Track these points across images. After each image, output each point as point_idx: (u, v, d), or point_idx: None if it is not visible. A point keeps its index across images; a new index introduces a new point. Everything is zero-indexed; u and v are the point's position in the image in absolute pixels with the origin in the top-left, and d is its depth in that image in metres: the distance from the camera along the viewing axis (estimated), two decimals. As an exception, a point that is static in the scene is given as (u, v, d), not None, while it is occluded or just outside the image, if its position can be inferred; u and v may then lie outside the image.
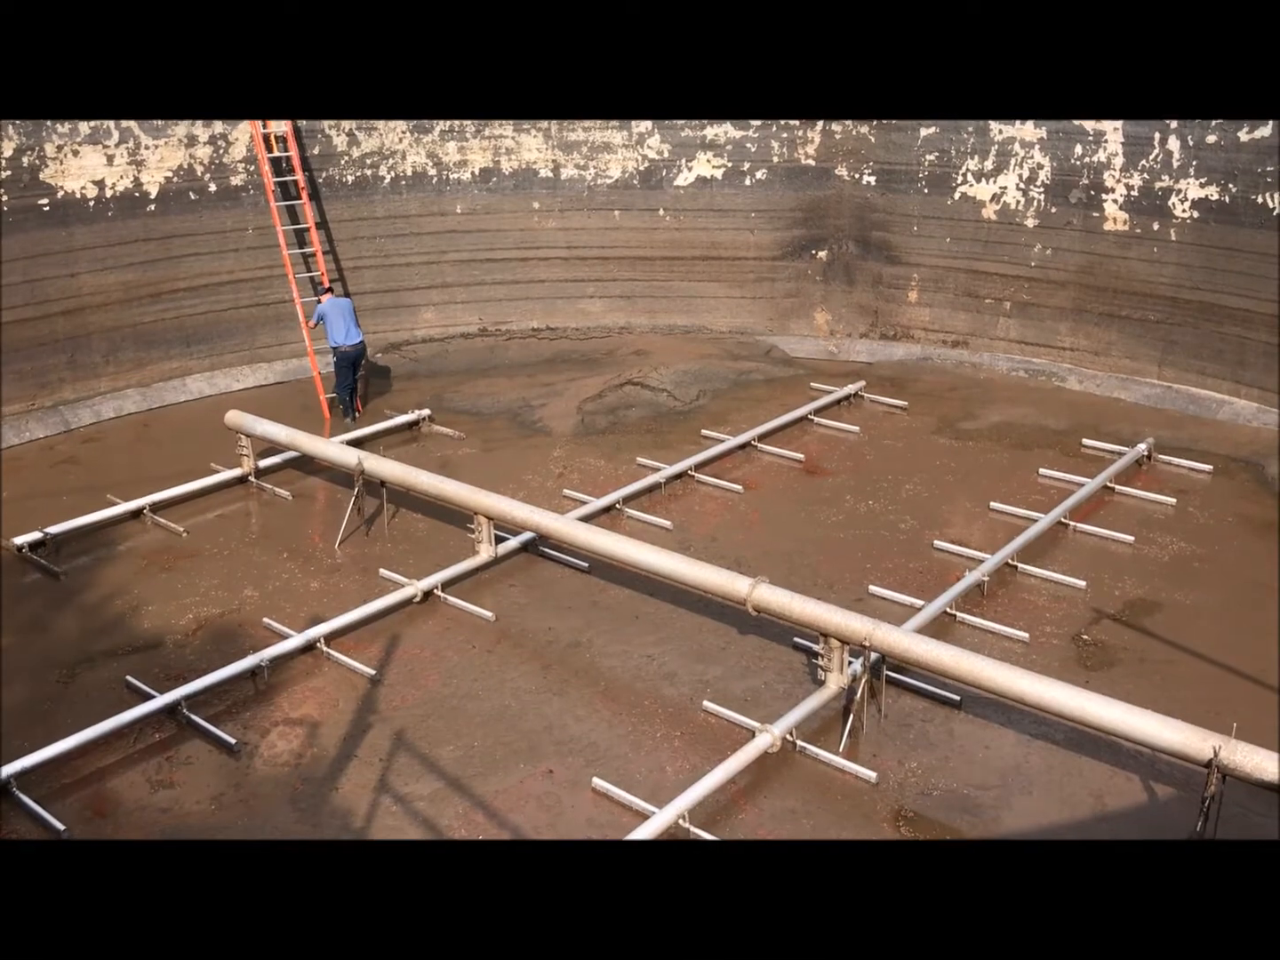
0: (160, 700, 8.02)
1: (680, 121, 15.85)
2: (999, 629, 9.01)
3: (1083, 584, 9.67)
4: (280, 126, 14.69)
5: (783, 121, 15.84)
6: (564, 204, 16.41)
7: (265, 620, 9.28)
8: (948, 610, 9.14)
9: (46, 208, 13.43)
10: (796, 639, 8.82)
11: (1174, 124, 13.52)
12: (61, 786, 7.44)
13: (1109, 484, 11.47)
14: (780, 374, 15.17)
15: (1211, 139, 13.29)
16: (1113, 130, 14.03)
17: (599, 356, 15.63)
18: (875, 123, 15.63)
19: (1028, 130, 14.67)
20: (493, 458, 12.66)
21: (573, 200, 16.40)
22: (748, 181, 16.18)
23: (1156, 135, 13.72)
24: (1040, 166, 14.66)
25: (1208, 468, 11.98)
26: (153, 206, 14.26)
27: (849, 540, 10.66)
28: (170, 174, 14.34)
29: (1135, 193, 14.01)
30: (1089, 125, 14.18)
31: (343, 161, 15.61)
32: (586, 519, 10.44)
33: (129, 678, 8.48)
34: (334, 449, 11.36)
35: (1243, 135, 13.03)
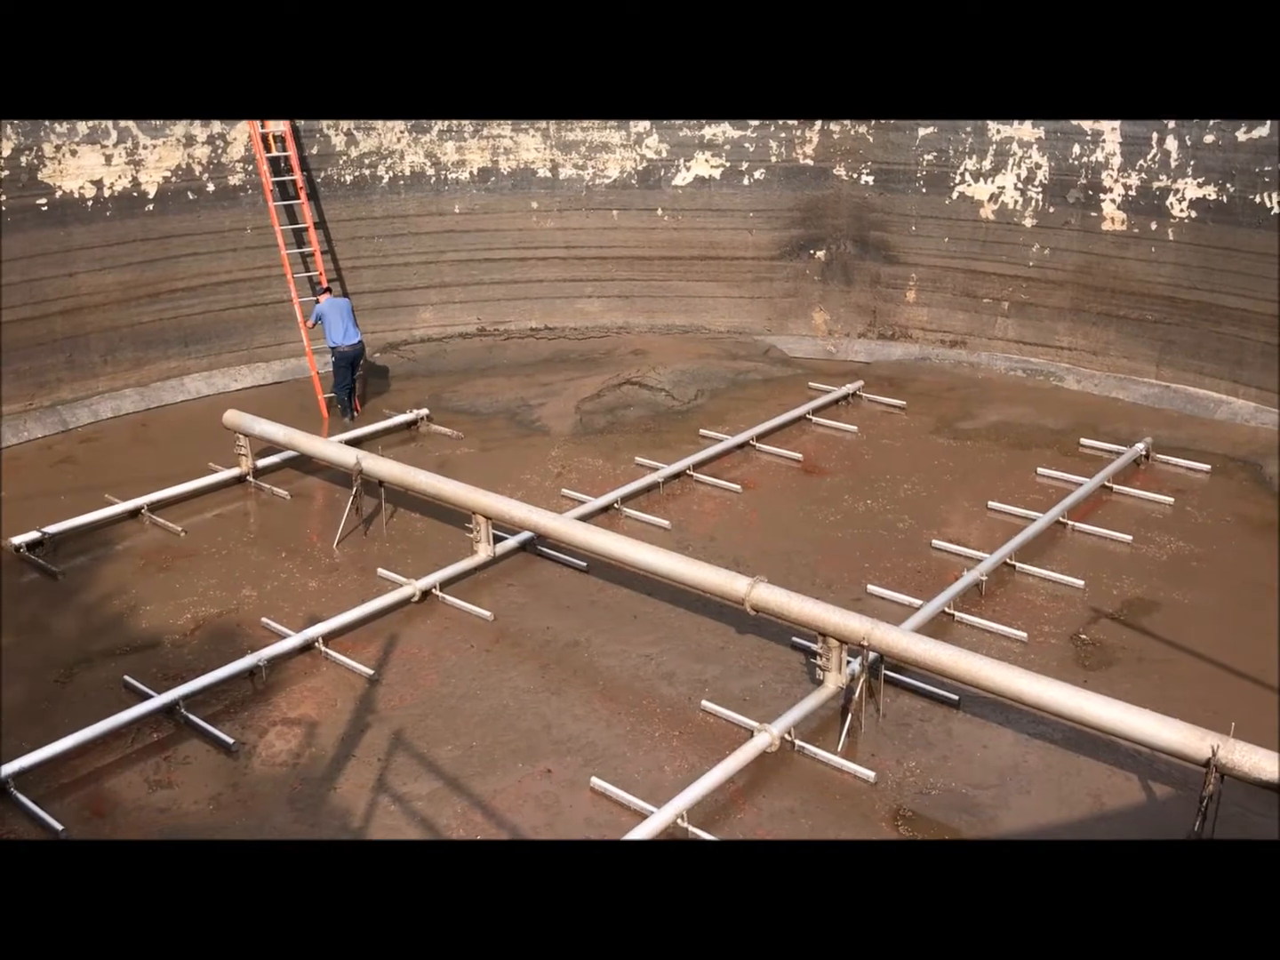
0: (158, 700, 8.02)
1: (678, 121, 15.85)
2: (997, 628, 9.01)
3: (1081, 583, 9.68)
4: (278, 126, 14.69)
5: (781, 121, 15.85)
6: (562, 204, 16.41)
7: (263, 620, 9.27)
8: (946, 610, 9.14)
9: (45, 208, 13.43)
10: (795, 638, 8.82)
11: (1172, 124, 13.53)
12: (59, 786, 7.43)
13: (1107, 483, 11.48)
14: (778, 374, 15.17)
15: (1209, 139, 13.30)
16: (1110, 130, 14.03)
17: (597, 356, 15.64)
18: (873, 122, 15.63)
19: (1026, 130, 14.68)
20: (491, 457, 12.66)
21: (571, 200, 16.40)
22: (746, 181, 16.18)
23: (1154, 135, 13.73)
24: (1038, 166, 14.67)
25: (1206, 467, 11.99)
26: (151, 206, 14.26)
27: (847, 540, 10.66)
28: (168, 174, 14.33)
29: (1133, 192, 14.02)
30: (1087, 125, 14.18)
31: (341, 161, 15.60)
32: (585, 518, 10.44)
33: (127, 677, 8.48)
34: (332, 449, 11.36)
35: (1240, 135, 13.03)
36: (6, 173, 13.06)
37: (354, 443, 12.41)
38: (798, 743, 7.68)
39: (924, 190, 15.55)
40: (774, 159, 16.12)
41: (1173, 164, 13.65)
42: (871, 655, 7.77)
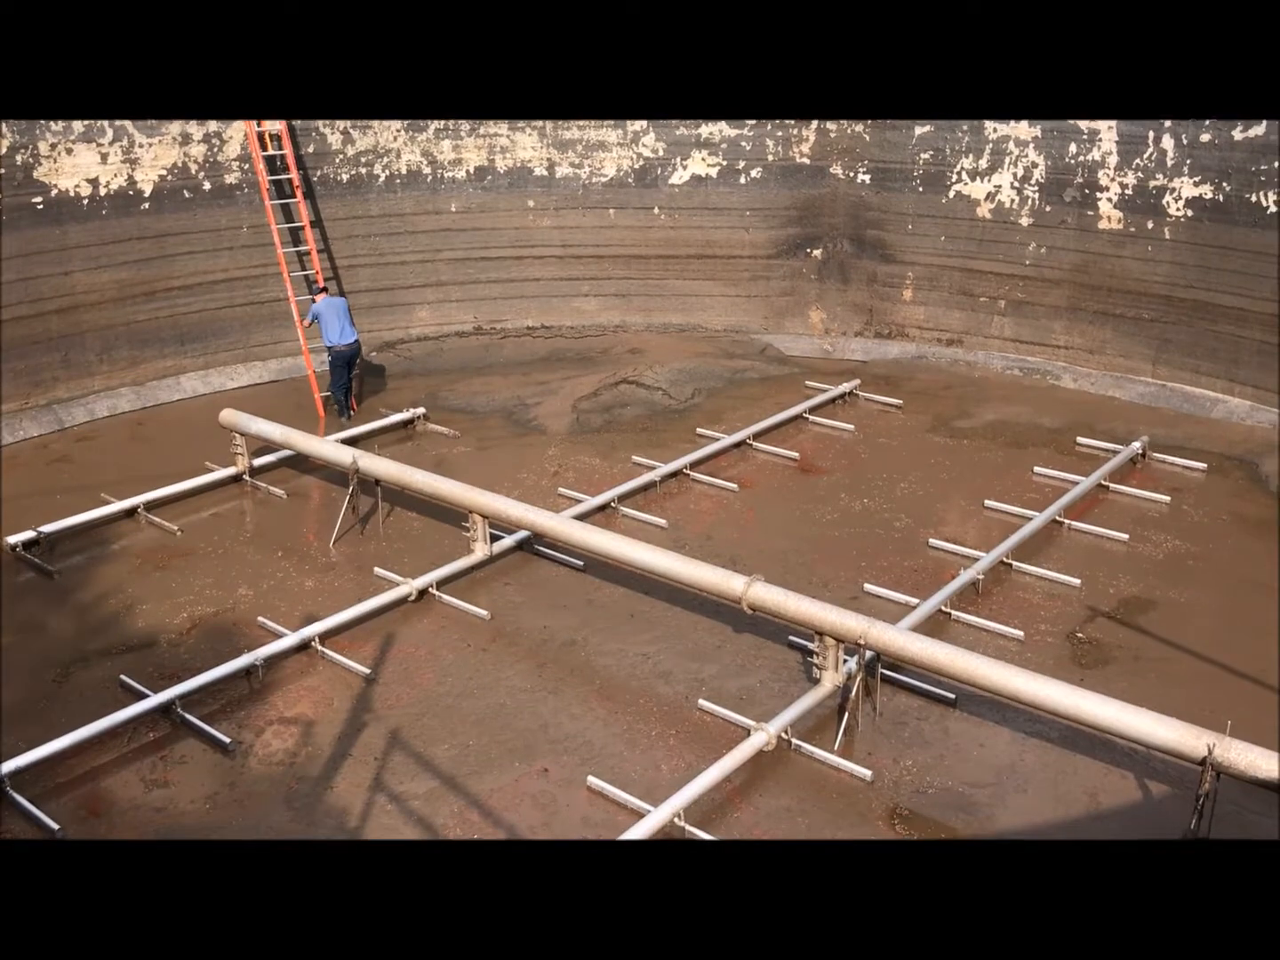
0: (154, 699, 8.01)
1: (675, 120, 15.84)
2: (994, 627, 9.02)
3: (1077, 582, 9.69)
4: (274, 125, 14.68)
5: (778, 120, 15.85)
6: (559, 202, 16.41)
7: (260, 619, 9.27)
8: (942, 608, 9.15)
9: (40, 206, 13.40)
10: (791, 637, 8.82)
11: (1168, 123, 13.54)
12: (55, 786, 7.43)
13: (1103, 482, 11.49)
14: (775, 372, 15.18)
15: (1206, 138, 13.31)
16: (1107, 129, 14.05)
17: (594, 355, 15.63)
18: (870, 121, 15.64)
19: (1022, 129, 14.69)
20: (488, 456, 12.65)
21: (568, 199, 16.40)
22: (743, 180, 16.18)
23: (1151, 134, 13.74)
24: (1035, 165, 14.68)
25: (1202, 466, 12.00)
26: (147, 205, 14.24)
27: (844, 538, 10.66)
28: (164, 172, 14.31)
29: (1129, 191, 14.03)
30: (1083, 124, 14.20)
31: (337, 160, 15.59)
32: (581, 517, 10.44)
33: (123, 677, 8.47)
34: (329, 448, 11.35)
35: (1237, 134, 13.05)
36: (2, 171, 13.04)
37: (350, 442, 12.40)
38: (794, 741, 7.68)
39: (920, 189, 15.56)
40: (771, 158, 16.12)
41: (1169, 163, 13.66)
42: (868, 654, 7.78)
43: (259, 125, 14.53)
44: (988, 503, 11.20)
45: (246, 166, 14.80)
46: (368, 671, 8.57)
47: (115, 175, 13.95)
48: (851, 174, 15.99)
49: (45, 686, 8.47)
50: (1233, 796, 6.82)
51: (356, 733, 7.92)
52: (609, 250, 16.53)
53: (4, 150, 13.05)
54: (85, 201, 13.75)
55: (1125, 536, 10.49)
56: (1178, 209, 13.70)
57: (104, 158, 13.83)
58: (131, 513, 11.16)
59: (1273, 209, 12.85)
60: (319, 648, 8.83)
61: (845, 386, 14.26)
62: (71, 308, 13.76)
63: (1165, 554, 10.29)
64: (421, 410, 13.57)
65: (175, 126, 14.25)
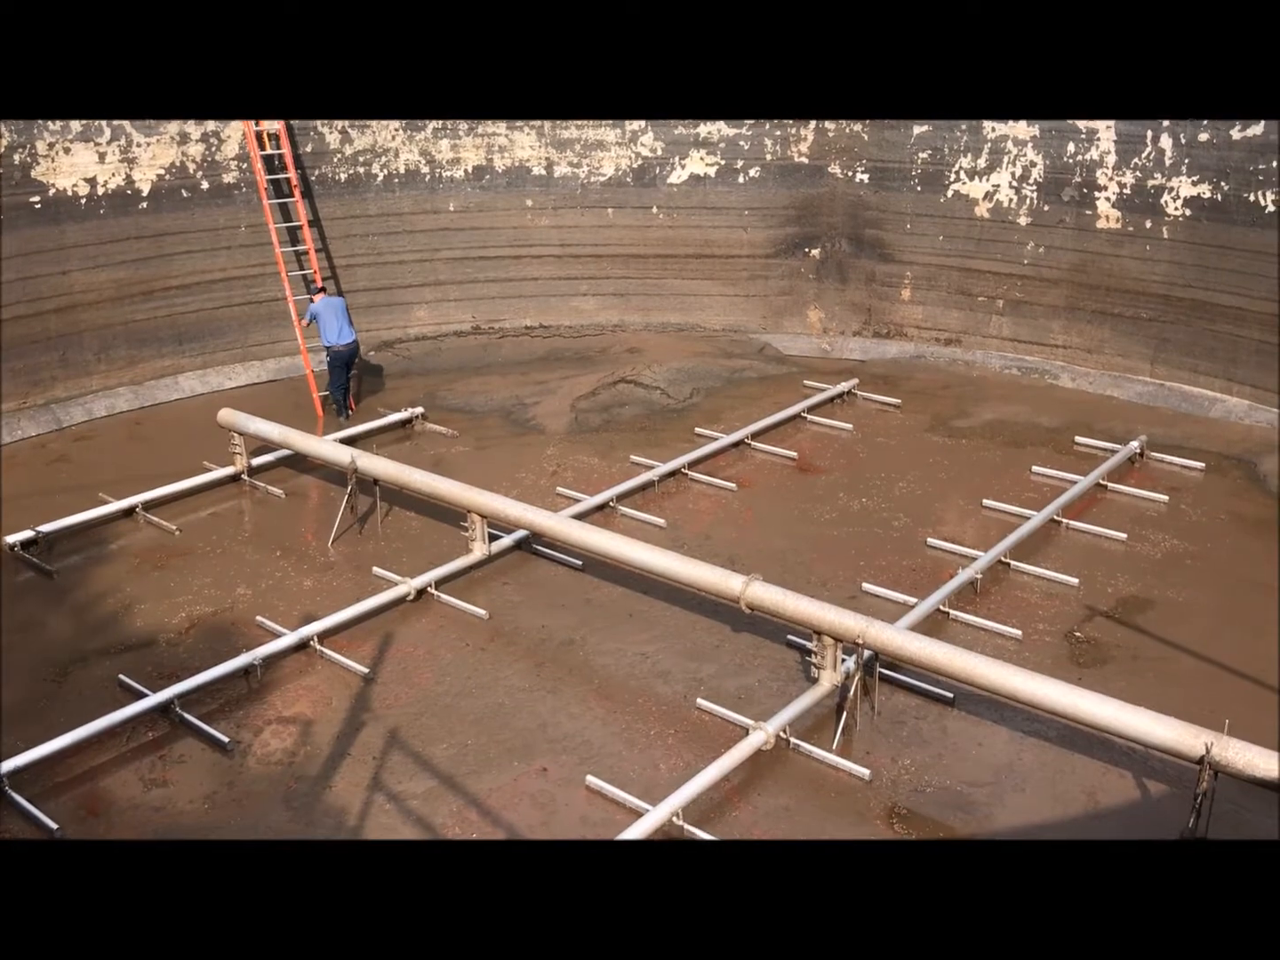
0: (153, 699, 8.01)
1: (674, 119, 15.85)
2: (992, 626, 9.02)
3: (1075, 581, 9.69)
4: (273, 124, 14.67)
5: (776, 119, 15.85)
6: (557, 202, 16.40)
7: (258, 618, 9.26)
8: (941, 608, 9.15)
9: (38, 205, 13.39)
10: (790, 637, 8.82)
11: (1166, 122, 13.54)
12: (54, 785, 7.42)
13: (1101, 481, 11.49)
14: (773, 372, 15.18)
15: (1204, 137, 13.31)
16: (1105, 128, 14.05)
17: (592, 354, 15.63)
18: (868, 121, 15.63)
19: (1020, 128, 14.69)
20: (486, 456, 12.65)
21: (566, 198, 16.39)
22: (741, 179, 16.18)
23: (1149, 133, 13.75)
24: (1033, 164, 14.68)
25: (1200, 465, 12.01)
26: (145, 204, 14.23)
27: (842, 538, 10.67)
28: (162, 171, 14.30)
29: (1128, 190, 14.03)
30: (1082, 123, 14.20)
31: (335, 159, 15.58)
32: (580, 517, 10.44)
33: (122, 676, 8.47)
34: (327, 447, 11.35)
35: (1235, 133, 13.05)
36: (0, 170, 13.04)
37: (349, 441, 12.40)
38: (793, 740, 7.68)
39: (919, 188, 15.56)
40: (769, 157, 16.12)
41: (1167, 162, 13.67)
42: (866, 653, 7.78)
43: (257, 125, 14.52)
44: (986, 502, 11.21)
45: (244, 166, 14.79)
46: (366, 671, 8.57)
47: (113, 175, 13.94)
48: (850, 173, 15.99)
49: (44, 686, 8.46)
50: (1231, 795, 6.82)
51: (355, 732, 7.92)
52: (607, 250, 16.52)
53: (2, 149, 13.04)
54: (83, 201, 13.74)
55: (1123, 536, 10.49)
56: (1176, 208, 13.70)
57: (102, 157, 13.82)
58: (130, 512, 11.15)
59: (1271, 208, 12.86)
60: (317, 647, 8.83)
61: (843, 386, 14.26)
62: (69, 307, 13.75)
63: (1163, 553, 10.29)
64: (420, 410, 13.57)
65: (173, 126, 14.24)
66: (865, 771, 7.40)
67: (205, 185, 14.63)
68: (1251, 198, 13.02)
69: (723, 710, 8.03)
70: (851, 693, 7.76)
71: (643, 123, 16.00)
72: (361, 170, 15.74)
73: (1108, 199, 14.19)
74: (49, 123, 13.35)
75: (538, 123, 16.05)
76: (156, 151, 14.21)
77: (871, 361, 15.74)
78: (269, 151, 14.71)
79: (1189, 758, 6.61)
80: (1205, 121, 13.18)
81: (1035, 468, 11.98)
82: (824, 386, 14.28)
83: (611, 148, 16.22)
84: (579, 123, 16.04)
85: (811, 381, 14.61)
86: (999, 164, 14.91)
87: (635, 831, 6.63)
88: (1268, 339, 12.96)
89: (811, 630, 8.02)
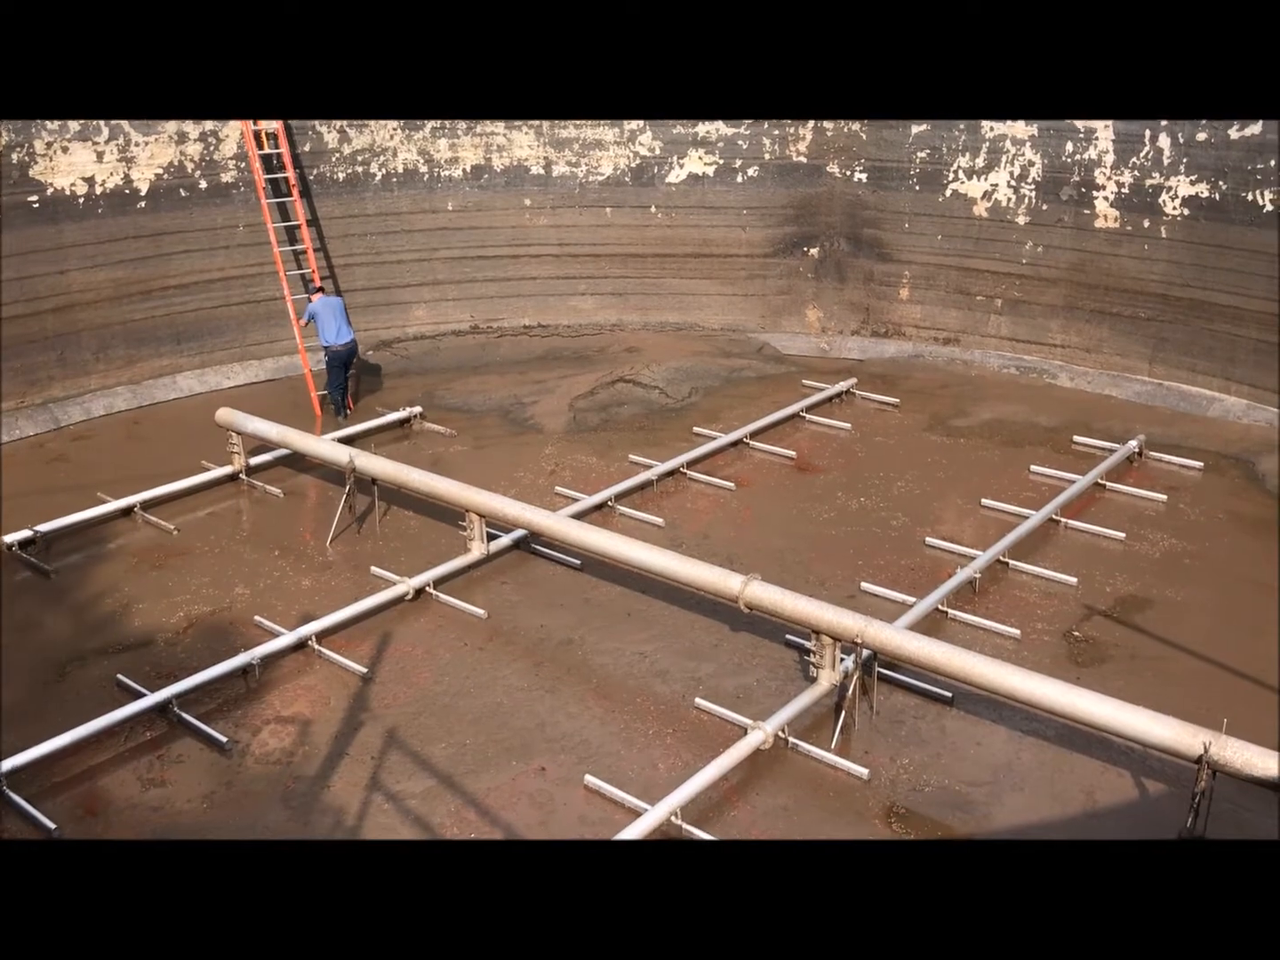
0: (151, 698, 8.00)
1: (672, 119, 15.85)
2: (990, 626, 9.02)
3: (1074, 580, 9.70)
4: (271, 124, 14.66)
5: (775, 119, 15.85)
6: (556, 201, 16.40)
7: (256, 618, 9.26)
8: (939, 607, 9.15)
9: (36, 205, 13.38)
10: (788, 636, 8.82)
11: (1164, 121, 13.55)
12: (52, 785, 7.42)
13: (1100, 481, 11.49)
14: (772, 371, 15.18)
15: (1202, 136, 13.32)
16: (1103, 128, 14.05)
17: (591, 354, 15.63)
18: (867, 120, 15.63)
19: (1019, 128, 14.69)
20: (484, 455, 12.65)
21: (564, 197, 16.39)
22: (739, 179, 16.18)
23: (1147, 132, 13.75)
24: (1031, 164, 14.69)
25: (1198, 464, 12.01)
26: (143, 203, 14.22)
27: (841, 537, 10.67)
28: (160, 171, 14.29)
29: (1126, 190, 14.04)
30: (1080, 122, 14.20)
31: (334, 158, 15.57)
32: (578, 516, 10.44)
33: (120, 676, 8.46)
34: (325, 446, 11.34)
35: (1233, 133, 13.06)
36: (-2, 170, 13.04)
37: (347, 441, 12.39)
38: (791, 740, 7.68)
39: (917, 188, 15.57)
40: (767, 156, 16.12)
41: (1165, 161, 13.67)
42: (865, 653, 7.78)
43: (255, 124, 14.52)
44: (984, 501, 11.21)
45: (243, 165, 14.78)
46: (365, 670, 8.56)
47: (111, 174, 13.93)
48: (848, 173, 16.00)
49: (42, 686, 8.46)
50: (1229, 794, 6.83)
51: (353, 732, 7.91)
52: (606, 249, 16.52)
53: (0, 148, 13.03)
54: (81, 200, 13.73)
55: (1122, 535, 10.50)
56: (1174, 208, 13.71)
57: (100, 156, 13.81)
58: (128, 512, 11.15)
59: (1268, 208, 12.86)
60: (316, 647, 8.83)
61: (842, 385, 14.26)
62: (67, 306, 13.75)
63: (1162, 552, 10.30)
64: (418, 409, 13.56)
65: (171, 125, 14.23)
66: (864, 771, 7.40)
67: (203, 184, 14.62)
68: (1249, 197, 13.02)
69: (721, 710, 8.03)
70: (850, 692, 7.77)
71: (641, 122, 16.00)
72: (360, 169, 15.73)
73: (1106, 198, 14.20)
74: (47, 122, 13.33)
75: (536, 122, 16.04)
76: (154, 151, 14.20)
77: (870, 361, 15.74)
78: (267, 151, 14.71)
79: (1187, 757, 6.61)
80: (1203, 121, 13.19)
81: (1034, 467, 11.99)
82: (822, 386, 14.28)
83: (610, 147, 16.21)
84: (577, 122, 16.04)
85: (810, 381, 14.61)
86: (997, 163, 14.92)
87: (633, 831, 6.62)
88: (1266, 338, 12.97)
89: (810, 629, 8.02)
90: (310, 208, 15.33)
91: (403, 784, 7.39)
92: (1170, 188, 13.69)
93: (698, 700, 8.17)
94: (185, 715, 7.97)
